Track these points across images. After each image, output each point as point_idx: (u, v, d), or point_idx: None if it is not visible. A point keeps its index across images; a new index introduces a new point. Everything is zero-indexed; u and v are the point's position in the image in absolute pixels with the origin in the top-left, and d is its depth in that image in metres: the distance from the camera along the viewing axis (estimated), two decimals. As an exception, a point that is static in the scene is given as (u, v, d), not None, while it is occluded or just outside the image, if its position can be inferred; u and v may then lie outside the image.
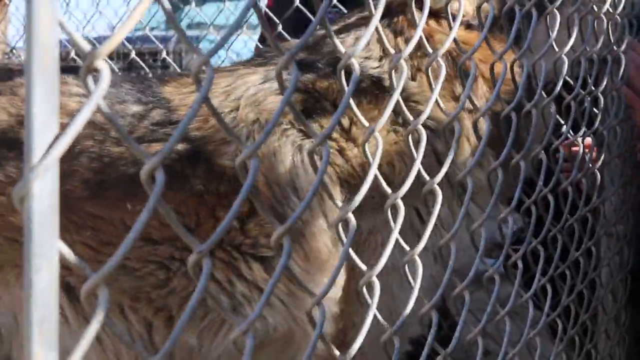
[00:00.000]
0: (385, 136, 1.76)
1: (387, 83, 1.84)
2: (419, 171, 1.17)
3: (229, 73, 2.00)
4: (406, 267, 1.21)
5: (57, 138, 0.60)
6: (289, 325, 1.82)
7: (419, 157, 1.17)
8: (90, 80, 0.62)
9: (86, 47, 0.62)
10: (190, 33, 6.10)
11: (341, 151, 1.78)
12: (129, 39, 5.32)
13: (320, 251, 1.79)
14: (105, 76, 0.62)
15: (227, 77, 1.96)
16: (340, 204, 1.26)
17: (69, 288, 1.82)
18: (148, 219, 0.75)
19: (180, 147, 1.80)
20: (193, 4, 4.79)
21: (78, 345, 0.62)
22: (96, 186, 1.83)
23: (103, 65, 0.62)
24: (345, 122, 1.81)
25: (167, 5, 0.74)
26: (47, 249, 0.61)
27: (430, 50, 1.28)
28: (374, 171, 1.06)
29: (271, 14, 3.52)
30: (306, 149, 1.78)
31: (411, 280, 1.21)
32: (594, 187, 1.90)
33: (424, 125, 1.18)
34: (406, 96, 1.77)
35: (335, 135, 1.80)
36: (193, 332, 1.87)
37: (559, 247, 1.71)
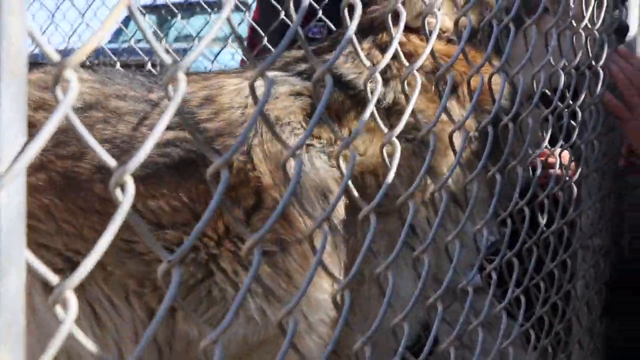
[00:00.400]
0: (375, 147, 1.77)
1: (385, 102, 1.86)
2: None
3: (236, 74, 2.02)
4: (388, 276, 1.21)
5: (25, 146, 0.60)
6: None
7: (392, 168, 1.17)
8: (59, 90, 0.62)
9: (56, 57, 0.62)
10: (177, 45, 6.10)
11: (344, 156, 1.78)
12: (115, 51, 5.33)
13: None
14: (74, 86, 0.62)
15: (236, 78, 1.97)
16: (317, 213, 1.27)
17: None
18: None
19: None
20: (179, 16, 4.79)
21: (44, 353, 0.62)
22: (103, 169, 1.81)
23: (72, 75, 0.62)
24: (345, 132, 1.81)
25: (141, 20, 0.74)
26: (16, 255, 0.61)
27: (406, 64, 1.28)
28: (346, 181, 1.06)
29: (257, 27, 3.54)
30: (314, 149, 1.82)
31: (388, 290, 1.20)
32: (571, 200, 1.91)
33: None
34: (399, 109, 1.78)
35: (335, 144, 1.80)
36: (195, 323, 1.84)
37: (533, 259, 1.71)
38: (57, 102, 0.62)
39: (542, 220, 1.75)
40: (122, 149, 1.82)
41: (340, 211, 1.73)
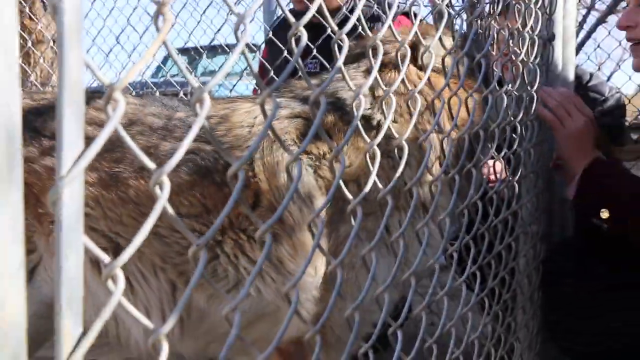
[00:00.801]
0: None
1: (375, 122, 1.87)
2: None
3: (249, 100, 2.06)
4: (369, 260, 1.20)
5: (82, 154, 0.59)
6: (278, 303, 1.82)
7: (374, 171, 1.16)
8: (109, 107, 0.62)
9: (107, 81, 0.62)
10: (203, 79, 6.15)
11: (331, 168, 1.80)
12: (155, 83, 5.40)
13: (305, 244, 1.79)
14: (122, 105, 0.62)
15: (248, 102, 2.00)
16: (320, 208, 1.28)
17: None
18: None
19: (212, 149, 1.85)
20: (204, 56, 4.85)
21: (98, 319, 0.61)
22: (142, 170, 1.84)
23: (119, 96, 0.61)
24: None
25: (176, 56, 0.73)
26: (74, 242, 0.60)
27: (384, 88, 1.28)
28: (336, 184, 1.05)
29: (265, 63, 3.58)
30: (304, 163, 1.83)
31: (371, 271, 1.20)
32: (514, 196, 1.91)
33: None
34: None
35: (328, 155, 1.82)
36: (203, 297, 1.87)
37: (485, 242, 1.71)
38: (107, 117, 0.62)
39: (492, 212, 1.75)
40: (154, 155, 1.83)
41: (323, 213, 1.74)
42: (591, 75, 3.07)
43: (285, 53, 3.26)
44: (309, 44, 2.84)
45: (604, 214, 1.99)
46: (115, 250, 1.85)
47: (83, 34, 0.59)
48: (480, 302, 1.82)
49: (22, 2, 5.25)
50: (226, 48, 5.12)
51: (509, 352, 1.98)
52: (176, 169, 1.79)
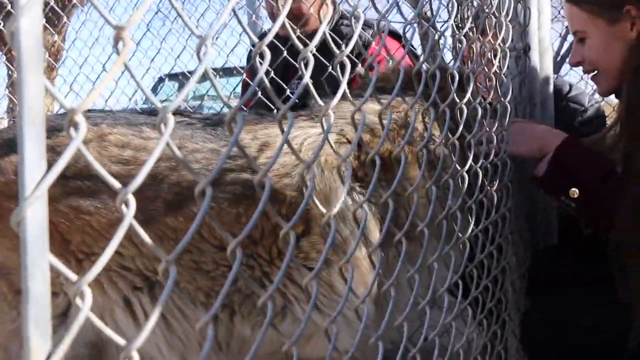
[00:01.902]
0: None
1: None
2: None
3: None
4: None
5: (44, 175, 0.60)
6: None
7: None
8: (72, 129, 0.62)
9: (68, 105, 0.62)
10: (193, 103, 6.15)
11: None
12: (144, 110, 5.40)
13: (358, 267, 1.77)
14: (83, 128, 0.62)
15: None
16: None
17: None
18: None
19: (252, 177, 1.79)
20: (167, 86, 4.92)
21: (67, 335, 0.62)
22: (174, 204, 1.83)
23: (80, 119, 0.62)
24: None
25: (140, 81, 0.74)
26: (39, 260, 0.61)
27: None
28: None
29: (249, 83, 3.60)
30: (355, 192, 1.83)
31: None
32: (492, 205, 1.91)
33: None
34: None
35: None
36: (249, 325, 1.87)
37: (467, 251, 1.72)
38: (70, 138, 0.63)
39: (472, 221, 1.75)
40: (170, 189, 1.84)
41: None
42: (571, 86, 3.11)
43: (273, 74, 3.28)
44: (295, 63, 2.86)
45: (574, 194, 1.99)
46: (150, 289, 1.85)
47: (42, 58, 0.60)
48: (467, 311, 1.83)
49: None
50: (212, 72, 5.12)
51: (496, 360, 1.98)
52: (226, 193, 1.81)
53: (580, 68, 2.21)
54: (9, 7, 5.08)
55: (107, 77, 0.66)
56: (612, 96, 2.29)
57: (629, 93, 1.97)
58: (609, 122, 2.72)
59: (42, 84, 0.60)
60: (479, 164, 1.78)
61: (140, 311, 1.85)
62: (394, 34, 3.30)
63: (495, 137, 1.92)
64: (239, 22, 0.99)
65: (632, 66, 1.98)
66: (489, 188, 1.87)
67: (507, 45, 2.07)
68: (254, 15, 4.37)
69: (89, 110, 2.10)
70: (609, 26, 2.02)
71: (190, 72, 5.00)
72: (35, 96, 0.60)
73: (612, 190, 1.92)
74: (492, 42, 1.95)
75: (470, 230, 1.74)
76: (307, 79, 1.01)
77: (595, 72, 2.11)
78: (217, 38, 4.30)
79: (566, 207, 2.09)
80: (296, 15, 3.27)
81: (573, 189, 1.98)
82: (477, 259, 1.81)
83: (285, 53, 3.10)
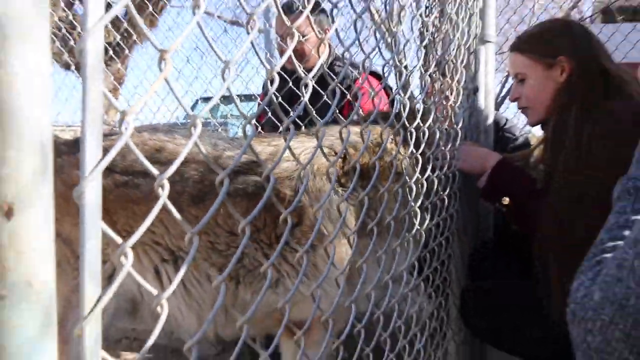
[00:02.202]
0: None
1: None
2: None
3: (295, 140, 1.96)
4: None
5: (99, 162, 0.59)
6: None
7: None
8: (123, 126, 0.62)
9: (120, 107, 0.62)
10: (219, 120, 6.12)
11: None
12: (184, 124, 5.38)
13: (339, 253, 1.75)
14: (131, 126, 0.62)
15: (292, 141, 1.91)
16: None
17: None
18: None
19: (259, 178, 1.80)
20: (221, 106, 4.91)
21: (112, 284, 0.61)
22: (197, 198, 1.81)
23: (130, 119, 0.61)
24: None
25: (181, 99, 0.73)
26: (94, 225, 0.60)
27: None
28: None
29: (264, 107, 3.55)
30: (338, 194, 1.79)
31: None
32: (444, 206, 1.92)
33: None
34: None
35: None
36: (250, 292, 1.86)
37: (422, 241, 1.71)
38: (120, 134, 0.62)
39: (427, 217, 1.75)
40: (201, 188, 1.83)
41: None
42: (506, 120, 3.19)
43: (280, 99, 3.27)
44: (298, 93, 2.85)
45: (505, 201, 2.04)
46: (175, 262, 1.84)
47: (102, 72, 0.60)
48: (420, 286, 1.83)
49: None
50: (238, 97, 5.11)
51: (440, 324, 1.98)
52: (241, 191, 1.80)
53: (516, 104, 2.22)
54: (78, 28, 5.07)
55: (152, 87, 0.65)
56: (537, 128, 2.31)
57: (554, 124, 1.98)
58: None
59: (100, 91, 0.59)
60: (435, 174, 1.77)
61: (166, 279, 1.84)
62: (374, 74, 3.30)
63: (448, 155, 1.92)
64: (256, 53, 0.98)
65: (559, 103, 2.00)
66: (441, 193, 1.87)
67: (461, 85, 2.08)
68: (268, 53, 4.37)
69: (139, 126, 2.09)
70: (545, 70, 2.04)
71: (222, 97, 4.99)
72: (95, 100, 0.59)
73: (533, 201, 1.95)
74: (450, 82, 1.96)
75: (425, 224, 1.73)
76: (306, 98, 1.00)
77: (528, 107, 2.12)
78: (239, 67, 4.30)
79: (500, 211, 2.13)
80: (300, 54, 3.26)
81: (505, 198, 2.02)
82: (430, 246, 1.80)
83: (290, 84, 3.09)
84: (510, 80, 6.24)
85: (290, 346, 1.96)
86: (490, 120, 2.62)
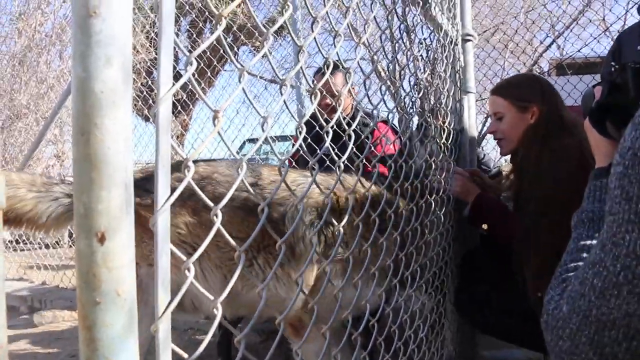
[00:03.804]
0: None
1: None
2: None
3: (294, 172, 1.96)
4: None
5: (168, 198, 0.60)
6: (284, 296, 1.80)
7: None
8: (185, 170, 0.63)
9: (184, 155, 0.63)
10: (262, 156, 6.15)
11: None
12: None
13: (301, 255, 1.76)
14: (192, 169, 0.63)
15: (295, 174, 1.91)
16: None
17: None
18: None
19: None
20: (263, 145, 4.92)
21: (179, 293, 0.62)
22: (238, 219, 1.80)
23: (191, 164, 0.63)
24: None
25: (229, 144, 0.75)
26: (165, 247, 0.61)
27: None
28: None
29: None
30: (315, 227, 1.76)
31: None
32: (441, 222, 1.90)
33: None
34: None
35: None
36: (240, 285, 1.82)
37: (422, 251, 1.68)
38: (184, 176, 0.63)
39: (427, 231, 1.72)
40: (217, 197, 1.81)
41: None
42: (484, 155, 3.30)
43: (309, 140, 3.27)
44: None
45: (485, 227, 2.16)
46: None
47: (170, 128, 0.61)
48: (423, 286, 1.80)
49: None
50: (272, 137, 5.13)
51: (439, 317, 1.94)
52: (239, 206, 1.78)
53: (492, 138, 2.27)
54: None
55: (207, 139, 0.67)
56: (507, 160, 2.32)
57: (522, 156, 2.03)
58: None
59: (169, 142, 0.61)
60: (433, 197, 1.76)
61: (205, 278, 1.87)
62: (384, 121, 3.32)
63: (443, 182, 1.91)
64: (288, 110, 0.99)
65: (527, 139, 2.03)
66: (438, 212, 1.85)
67: (451, 126, 2.08)
68: (299, 105, 4.40)
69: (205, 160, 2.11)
70: (518, 113, 2.07)
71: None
72: (165, 149, 0.61)
73: (505, 222, 2.00)
74: (442, 124, 1.97)
75: (424, 238, 1.71)
76: (327, 143, 1.00)
77: (503, 139, 2.12)
78: (276, 116, 4.33)
79: (482, 230, 2.25)
80: (327, 105, 3.22)
81: (484, 225, 2.18)
82: (429, 255, 1.78)
83: (317, 128, 3.09)
84: (489, 120, 6.29)
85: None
86: (474, 154, 2.61)
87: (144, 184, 1.82)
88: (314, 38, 0.93)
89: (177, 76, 0.60)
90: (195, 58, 0.65)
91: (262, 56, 0.79)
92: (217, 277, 1.87)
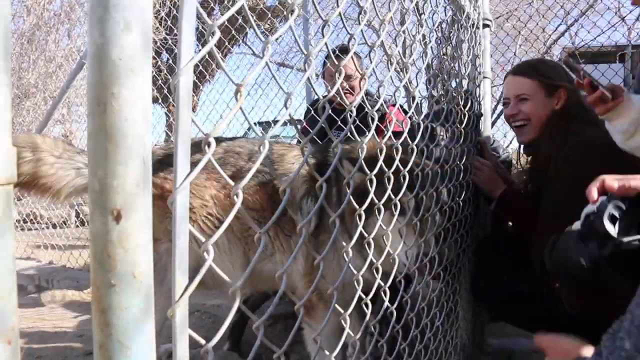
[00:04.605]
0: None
1: None
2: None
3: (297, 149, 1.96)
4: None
5: (187, 176, 0.57)
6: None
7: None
8: (206, 147, 0.60)
9: (205, 131, 0.60)
10: (272, 140, 6.13)
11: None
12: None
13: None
14: (213, 145, 0.60)
15: (297, 150, 1.91)
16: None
17: None
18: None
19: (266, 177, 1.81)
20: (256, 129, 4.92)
21: (198, 275, 0.59)
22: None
23: (212, 140, 0.60)
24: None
25: (251, 122, 0.71)
26: (183, 226, 0.58)
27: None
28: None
29: (308, 128, 3.44)
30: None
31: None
32: (460, 208, 1.87)
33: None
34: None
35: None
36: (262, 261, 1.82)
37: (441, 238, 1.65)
38: (204, 152, 0.60)
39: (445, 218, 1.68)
40: (239, 170, 1.82)
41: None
42: (494, 140, 3.35)
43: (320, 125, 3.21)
44: (335, 117, 2.81)
45: (510, 222, 2.14)
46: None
47: (190, 102, 0.58)
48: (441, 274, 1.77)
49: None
50: (286, 122, 5.11)
51: (454, 305, 1.91)
52: (253, 180, 1.79)
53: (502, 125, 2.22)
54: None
55: (229, 114, 0.64)
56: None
57: (547, 140, 1.95)
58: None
59: (190, 117, 0.58)
60: (452, 183, 1.71)
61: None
62: (393, 104, 3.25)
63: (463, 167, 1.86)
64: (312, 88, 0.95)
65: (550, 129, 1.96)
66: (457, 199, 1.80)
67: (471, 112, 2.04)
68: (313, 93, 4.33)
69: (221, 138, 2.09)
70: (546, 97, 2.00)
71: (273, 121, 5.01)
72: (186, 124, 0.58)
73: (532, 221, 1.91)
74: (463, 108, 1.91)
75: (443, 225, 1.67)
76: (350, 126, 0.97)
77: (526, 124, 2.04)
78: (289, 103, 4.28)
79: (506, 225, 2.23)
80: (348, 90, 3.12)
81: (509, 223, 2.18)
82: (447, 242, 1.73)
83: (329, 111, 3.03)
84: (500, 107, 6.24)
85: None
86: (490, 137, 2.58)
87: (170, 160, 1.83)
88: (340, 13, 0.88)
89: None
90: (218, 27, 0.61)
91: (276, 39, 0.76)
92: (238, 250, 1.86)
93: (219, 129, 0.62)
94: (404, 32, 1.32)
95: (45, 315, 3.80)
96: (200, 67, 5.28)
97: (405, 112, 3.08)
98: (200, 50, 0.59)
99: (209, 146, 0.60)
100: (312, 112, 3.21)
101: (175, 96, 0.57)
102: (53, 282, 4.62)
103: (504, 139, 5.99)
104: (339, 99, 1.13)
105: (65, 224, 6.29)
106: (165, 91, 5.27)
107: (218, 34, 0.61)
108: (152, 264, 0.53)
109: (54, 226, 5.96)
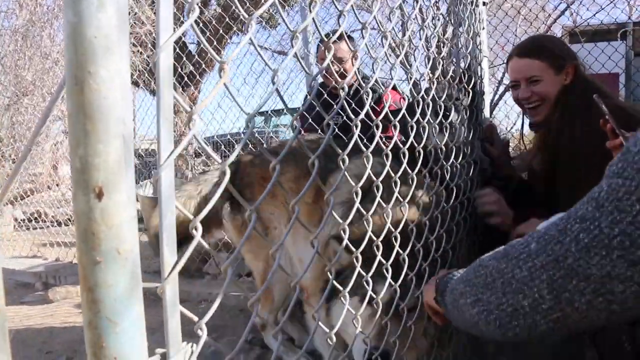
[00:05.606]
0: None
1: None
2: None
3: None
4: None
5: (171, 153, 0.57)
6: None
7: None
8: (191, 124, 0.60)
9: (187, 107, 0.60)
10: (273, 129, 6.12)
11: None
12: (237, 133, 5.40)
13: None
14: (197, 123, 0.60)
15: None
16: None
17: None
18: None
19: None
20: (273, 118, 4.86)
21: (186, 252, 0.60)
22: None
23: (196, 117, 0.60)
24: None
25: (237, 98, 0.72)
26: (169, 203, 0.58)
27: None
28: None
29: (305, 114, 3.42)
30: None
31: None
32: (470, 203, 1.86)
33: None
34: None
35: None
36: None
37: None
38: (188, 130, 0.60)
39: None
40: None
41: None
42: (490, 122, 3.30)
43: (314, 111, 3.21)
44: (332, 102, 2.81)
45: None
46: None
47: (172, 79, 0.58)
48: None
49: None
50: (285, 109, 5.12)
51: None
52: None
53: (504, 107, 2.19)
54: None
55: (212, 91, 0.64)
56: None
57: (559, 116, 1.95)
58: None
59: (172, 95, 0.58)
60: (449, 162, 1.68)
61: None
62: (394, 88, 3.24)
63: (462, 146, 1.84)
64: (301, 64, 0.95)
65: (562, 101, 1.98)
66: (458, 180, 1.77)
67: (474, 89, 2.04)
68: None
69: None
70: (555, 75, 2.01)
71: (273, 111, 5.01)
72: (168, 102, 0.58)
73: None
74: (466, 86, 1.91)
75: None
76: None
77: (540, 104, 2.04)
78: (284, 84, 4.28)
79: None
80: (341, 74, 3.11)
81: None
82: (449, 225, 1.70)
83: (325, 95, 3.01)
84: (501, 89, 6.22)
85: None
86: (488, 116, 2.58)
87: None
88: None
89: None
90: (198, 5, 0.61)
91: (271, 26, 0.75)
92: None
93: (202, 106, 0.62)
94: (398, 8, 1.31)
95: (54, 311, 3.85)
96: (197, 57, 5.28)
97: (396, 89, 3.07)
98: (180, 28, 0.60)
99: (193, 124, 0.60)
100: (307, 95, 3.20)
101: (156, 74, 0.57)
102: (60, 278, 4.66)
103: (506, 119, 5.98)
104: (333, 82, 1.14)
105: (71, 221, 6.33)
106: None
107: (197, 11, 0.61)
108: (137, 241, 0.54)
109: (59, 224, 6.00)
